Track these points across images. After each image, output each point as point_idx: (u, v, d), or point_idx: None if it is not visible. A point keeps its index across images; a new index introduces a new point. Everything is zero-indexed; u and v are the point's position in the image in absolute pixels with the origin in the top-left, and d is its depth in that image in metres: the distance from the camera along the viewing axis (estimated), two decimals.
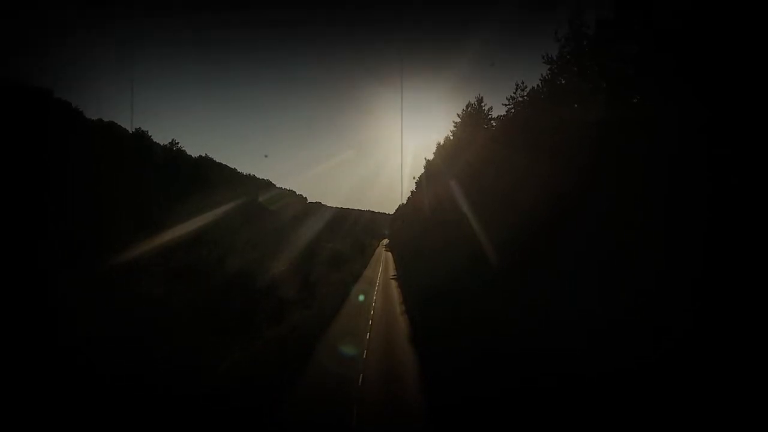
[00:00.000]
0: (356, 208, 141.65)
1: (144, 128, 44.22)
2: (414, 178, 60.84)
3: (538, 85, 20.76)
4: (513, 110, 26.03)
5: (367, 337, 18.62)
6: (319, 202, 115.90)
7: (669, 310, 10.80)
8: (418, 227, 54.79)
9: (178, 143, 45.68)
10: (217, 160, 57.74)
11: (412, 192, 68.66)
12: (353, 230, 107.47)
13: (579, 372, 11.33)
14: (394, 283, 36.27)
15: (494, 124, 31.46)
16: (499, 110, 33.81)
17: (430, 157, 47.79)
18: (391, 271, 45.82)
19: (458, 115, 35.62)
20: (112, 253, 21.73)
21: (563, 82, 17.19)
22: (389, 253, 72.05)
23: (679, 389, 9.26)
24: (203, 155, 52.44)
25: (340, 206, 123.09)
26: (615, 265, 13.36)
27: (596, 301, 13.33)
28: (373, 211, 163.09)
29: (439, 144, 45.05)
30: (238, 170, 64.97)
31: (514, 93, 24.78)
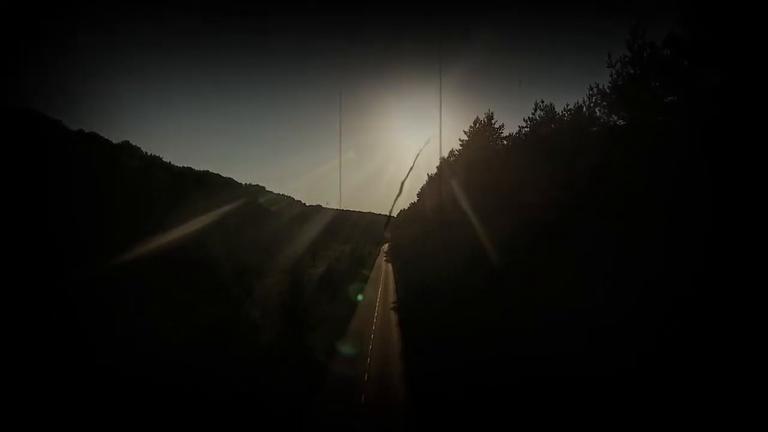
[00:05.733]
0: (357, 210, 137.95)
1: (129, 137, 40.36)
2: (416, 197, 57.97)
3: (569, 113, 16.75)
4: (529, 131, 22.18)
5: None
6: (319, 205, 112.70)
7: (671, 310, 10.54)
8: (420, 237, 51.30)
9: (160, 157, 41.80)
10: (204, 168, 53.68)
11: (412, 203, 65.65)
12: (353, 233, 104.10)
13: (580, 373, 11.37)
14: (394, 317, 32.79)
15: (505, 142, 27.53)
16: (506, 123, 29.92)
17: (431, 156, 44.43)
18: (391, 295, 42.14)
19: (465, 132, 31.73)
20: None
21: (622, 122, 13.16)
22: (389, 265, 68.54)
23: (680, 390, 9.21)
24: (186, 167, 48.39)
25: (340, 208, 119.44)
26: (617, 265, 12.89)
27: (598, 302, 12.91)
28: (374, 213, 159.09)
29: (442, 158, 41.38)
30: (223, 176, 60.57)
31: (533, 113, 20.93)
